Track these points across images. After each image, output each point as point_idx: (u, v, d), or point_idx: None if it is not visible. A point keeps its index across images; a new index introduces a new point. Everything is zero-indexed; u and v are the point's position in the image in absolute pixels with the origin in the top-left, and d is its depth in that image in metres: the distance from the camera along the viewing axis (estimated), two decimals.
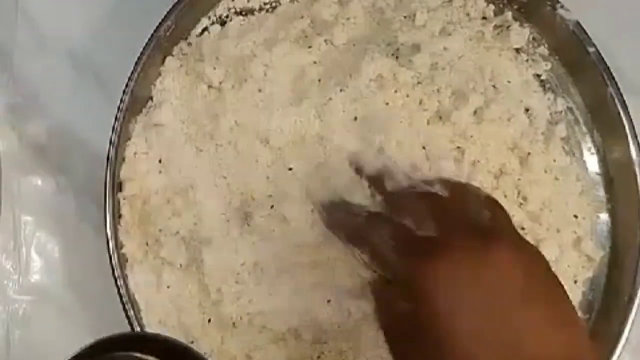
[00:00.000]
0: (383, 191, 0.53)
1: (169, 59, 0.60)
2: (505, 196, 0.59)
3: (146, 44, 0.58)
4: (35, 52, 0.63)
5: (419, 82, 0.60)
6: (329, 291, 0.57)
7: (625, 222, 0.62)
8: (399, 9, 0.62)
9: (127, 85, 0.57)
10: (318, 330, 0.57)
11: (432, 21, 0.62)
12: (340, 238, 0.54)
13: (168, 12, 0.58)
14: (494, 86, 0.62)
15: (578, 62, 0.63)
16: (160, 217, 0.58)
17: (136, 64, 0.57)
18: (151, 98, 0.59)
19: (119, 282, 0.56)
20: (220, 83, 0.59)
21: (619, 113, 0.61)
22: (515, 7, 0.63)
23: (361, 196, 0.54)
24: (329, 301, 0.57)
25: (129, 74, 0.57)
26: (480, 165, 0.58)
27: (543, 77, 0.63)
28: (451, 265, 0.44)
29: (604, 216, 0.63)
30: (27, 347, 0.60)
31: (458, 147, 0.58)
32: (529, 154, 0.60)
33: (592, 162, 0.63)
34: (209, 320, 0.57)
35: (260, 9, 0.62)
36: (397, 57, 0.60)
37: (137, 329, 0.55)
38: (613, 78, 0.61)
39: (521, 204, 0.60)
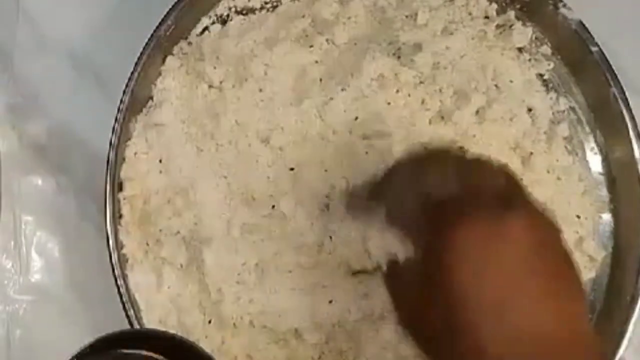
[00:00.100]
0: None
1: (169, 58, 0.60)
2: None
3: (146, 44, 0.58)
4: (35, 52, 0.63)
5: (420, 82, 0.60)
6: (330, 291, 0.57)
7: (628, 222, 0.61)
8: (401, 8, 0.62)
9: (127, 85, 0.57)
10: (318, 330, 0.57)
11: (434, 20, 0.61)
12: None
13: (168, 12, 0.58)
14: (496, 86, 0.62)
15: (581, 62, 0.62)
16: (160, 217, 0.58)
17: (136, 63, 0.57)
18: (151, 98, 0.59)
19: (119, 282, 0.56)
20: (221, 82, 0.59)
21: (621, 112, 0.61)
22: (518, 6, 0.63)
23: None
24: (329, 301, 0.57)
25: (129, 74, 0.57)
26: None
27: (545, 77, 0.63)
28: (472, 233, 0.45)
29: (607, 216, 0.62)
30: (27, 347, 0.60)
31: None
32: (531, 153, 0.60)
33: (595, 162, 0.63)
34: (210, 321, 0.57)
35: (261, 8, 0.62)
36: (398, 57, 0.60)
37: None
38: (616, 77, 0.61)
39: None
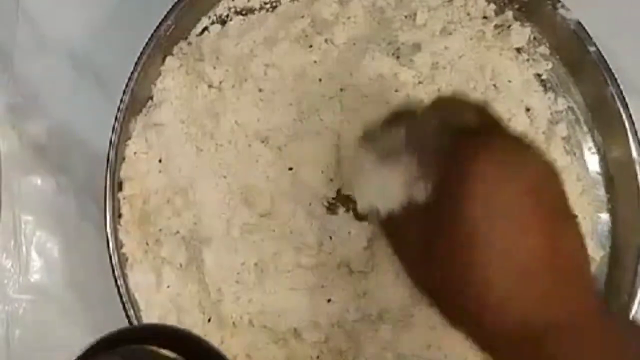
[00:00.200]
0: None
1: (169, 58, 0.60)
2: None
3: (146, 44, 0.58)
4: (35, 52, 0.63)
5: (419, 82, 0.60)
6: (330, 291, 0.57)
7: (626, 221, 0.61)
8: (400, 8, 0.62)
9: (127, 85, 0.57)
10: (317, 330, 0.57)
11: (433, 20, 0.62)
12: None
13: (168, 12, 0.58)
14: (494, 86, 0.62)
15: (579, 62, 0.63)
16: (160, 216, 0.58)
17: (136, 63, 0.57)
18: (151, 98, 0.59)
19: (119, 282, 0.56)
20: (221, 82, 0.59)
21: (619, 112, 0.61)
22: (516, 6, 0.63)
23: None
24: (329, 301, 0.57)
25: (129, 74, 0.57)
26: None
27: (544, 77, 0.63)
28: (491, 168, 0.45)
29: (605, 216, 0.63)
30: (27, 346, 0.60)
31: None
32: None
33: (593, 162, 0.63)
34: (209, 320, 0.57)
35: (261, 8, 0.62)
36: (397, 57, 0.60)
37: None
38: (614, 77, 0.61)
39: None
